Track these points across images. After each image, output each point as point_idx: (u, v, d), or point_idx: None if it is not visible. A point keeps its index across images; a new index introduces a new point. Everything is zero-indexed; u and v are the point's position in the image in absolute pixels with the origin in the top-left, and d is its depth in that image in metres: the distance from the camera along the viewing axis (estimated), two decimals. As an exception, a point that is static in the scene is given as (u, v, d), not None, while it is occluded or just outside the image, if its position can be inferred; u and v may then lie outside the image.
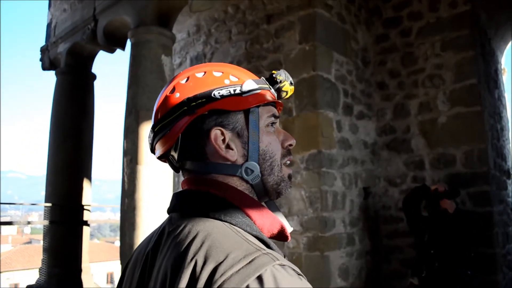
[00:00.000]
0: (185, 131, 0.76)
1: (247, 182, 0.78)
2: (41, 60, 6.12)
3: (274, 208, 0.84)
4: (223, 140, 0.76)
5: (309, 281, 0.64)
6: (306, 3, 4.59)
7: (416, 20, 5.30)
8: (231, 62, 5.26)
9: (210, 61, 5.62)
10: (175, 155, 0.80)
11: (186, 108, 0.75)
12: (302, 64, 4.53)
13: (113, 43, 4.91)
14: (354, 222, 4.72)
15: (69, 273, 5.20)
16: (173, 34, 4.15)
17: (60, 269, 5.15)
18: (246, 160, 0.77)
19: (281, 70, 0.85)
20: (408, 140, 5.21)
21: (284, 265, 0.59)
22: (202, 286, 0.57)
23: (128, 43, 4.32)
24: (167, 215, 0.82)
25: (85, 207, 5.38)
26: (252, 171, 0.77)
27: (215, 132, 0.76)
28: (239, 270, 0.57)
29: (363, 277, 4.72)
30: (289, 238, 0.78)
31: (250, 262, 0.58)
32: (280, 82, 0.83)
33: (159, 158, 0.85)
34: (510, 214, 5.35)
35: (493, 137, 5.20)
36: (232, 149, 0.77)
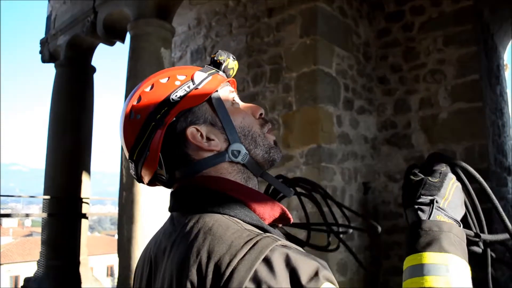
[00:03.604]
0: (162, 145, 0.76)
1: (238, 163, 0.79)
2: (40, 52, 6.09)
3: (271, 178, 0.85)
4: (201, 135, 0.77)
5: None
6: (307, -3, 4.55)
7: (419, 15, 5.26)
8: (231, 56, 5.22)
9: (210, 54, 5.59)
10: (163, 172, 0.80)
11: (154, 123, 0.75)
12: (303, 58, 4.50)
13: (112, 36, 4.88)
14: (353, 217, 4.69)
15: (67, 266, 5.21)
16: (172, 27, 4.12)
17: (58, 261, 5.15)
18: (229, 144, 0.78)
19: (219, 51, 0.85)
20: (408, 135, 5.18)
21: (286, 245, 0.60)
22: (210, 281, 0.58)
23: (128, 36, 4.29)
24: (165, 208, 0.82)
25: (83, 200, 5.38)
26: (239, 151, 0.78)
27: (191, 131, 0.76)
28: (243, 256, 0.58)
29: (362, 273, 4.71)
30: (291, 219, 0.79)
31: (252, 246, 0.59)
32: (224, 61, 0.84)
33: (149, 184, 0.85)
34: (510, 211, 5.33)
35: (494, 133, 5.17)
36: (213, 140, 0.77)
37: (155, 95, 0.77)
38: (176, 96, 0.76)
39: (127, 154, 0.81)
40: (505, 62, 6.81)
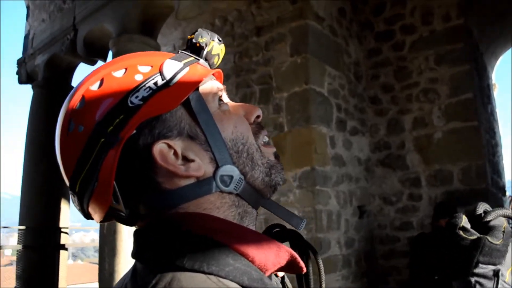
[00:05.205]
0: (118, 170, 0.51)
1: (230, 194, 0.55)
2: (17, 73, 5.84)
3: (275, 208, 0.61)
4: (175, 155, 0.53)
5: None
6: (297, 15, 4.43)
7: (409, 34, 5.17)
8: (219, 76, 5.03)
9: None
10: (121, 207, 0.54)
11: (103, 139, 0.50)
12: (293, 77, 4.34)
13: (93, 54, 4.63)
14: (350, 243, 4.48)
15: (44, 302, 4.82)
16: (157, 44, 3.92)
17: (34, 297, 4.78)
18: (217, 166, 0.54)
19: (199, 30, 0.60)
20: (403, 156, 5.02)
21: None
22: None
23: (110, 54, 4.08)
24: None
25: (62, 229, 5.02)
26: (231, 177, 0.55)
27: (160, 149, 0.52)
28: None
29: (360, 302, 4.47)
30: (304, 269, 0.55)
31: None
32: (206, 45, 0.59)
33: (103, 221, 0.58)
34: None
35: (489, 153, 5.06)
36: (192, 160, 0.53)
37: (105, 95, 0.52)
38: (136, 98, 0.51)
39: (67, 182, 0.55)
40: (493, 82, 6.80)
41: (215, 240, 0.49)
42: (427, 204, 4.74)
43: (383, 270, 4.94)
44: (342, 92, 4.79)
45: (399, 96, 5.14)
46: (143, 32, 3.70)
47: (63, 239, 5.05)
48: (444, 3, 4.91)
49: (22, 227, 4.84)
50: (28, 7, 6.00)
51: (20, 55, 5.93)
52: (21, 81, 5.76)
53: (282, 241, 0.66)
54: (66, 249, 5.11)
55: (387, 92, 5.23)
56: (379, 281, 4.92)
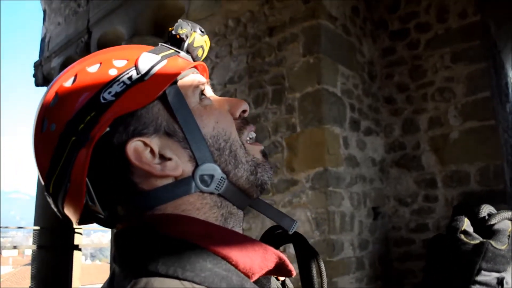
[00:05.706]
0: (91, 170, 0.49)
1: (211, 194, 0.52)
2: (34, 76, 5.91)
3: (265, 208, 0.58)
4: (152, 153, 0.50)
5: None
6: (309, 14, 4.39)
7: (424, 32, 5.09)
8: (232, 77, 5.03)
9: (210, 77, 5.39)
10: (97, 208, 0.51)
11: (74, 138, 0.48)
12: (306, 77, 4.30)
13: (107, 56, 4.70)
14: (364, 244, 4.42)
15: (59, 302, 4.87)
16: (169, 46, 3.95)
17: (49, 297, 4.83)
18: (197, 165, 0.52)
19: (179, 21, 0.57)
20: (418, 156, 4.94)
21: None
22: None
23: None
24: None
25: (76, 230, 5.07)
26: (212, 176, 0.52)
27: (134, 147, 0.49)
28: None
29: (375, 305, 4.41)
30: (293, 271, 0.51)
31: None
32: (187, 37, 0.55)
33: (82, 223, 0.56)
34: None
35: (507, 153, 4.94)
36: (170, 159, 0.51)
37: (78, 92, 0.49)
38: (109, 93, 0.48)
39: (42, 183, 0.52)
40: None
41: (193, 243, 0.46)
42: (443, 206, 4.65)
43: (398, 273, 4.86)
44: (355, 92, 4.73)
45: (414, 96, 5.05)
46: (155, 34, 3.73)
47: (77, 240, 5.10)
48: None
49: (37, 228, 4.90)
50: (44, 11, 6.09)
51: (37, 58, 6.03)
52: (37, 84, 5.82)
53: (284, 243, 0.64)
54: (80, 250, 5.15)
55: (402, 91, 5.15)
56: (394, 284, 4.84)
